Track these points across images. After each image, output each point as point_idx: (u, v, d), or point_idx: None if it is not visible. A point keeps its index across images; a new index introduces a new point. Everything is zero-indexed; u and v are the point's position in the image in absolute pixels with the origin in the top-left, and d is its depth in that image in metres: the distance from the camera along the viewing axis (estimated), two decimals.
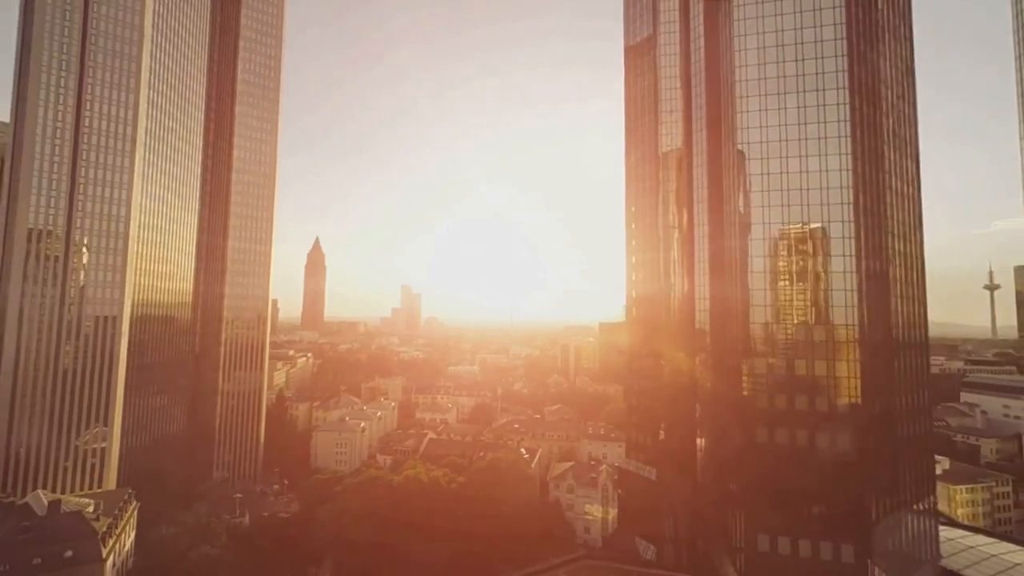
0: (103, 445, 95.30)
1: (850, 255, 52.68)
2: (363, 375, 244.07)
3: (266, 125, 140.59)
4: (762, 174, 56.39)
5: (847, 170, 53.40)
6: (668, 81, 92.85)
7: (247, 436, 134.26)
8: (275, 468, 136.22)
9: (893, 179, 58.77)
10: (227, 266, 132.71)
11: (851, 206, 53.20)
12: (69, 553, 65.13)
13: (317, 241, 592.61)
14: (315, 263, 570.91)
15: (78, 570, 65.02)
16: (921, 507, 59.21)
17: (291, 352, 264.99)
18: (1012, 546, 62.52)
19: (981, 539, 64.31)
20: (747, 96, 57.19)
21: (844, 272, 52.83)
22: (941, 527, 67.39)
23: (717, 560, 56.86)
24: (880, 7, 59.31)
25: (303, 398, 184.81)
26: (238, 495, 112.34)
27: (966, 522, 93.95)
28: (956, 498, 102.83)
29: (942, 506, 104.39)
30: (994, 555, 58.64)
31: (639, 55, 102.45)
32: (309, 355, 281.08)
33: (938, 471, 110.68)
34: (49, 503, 69.09)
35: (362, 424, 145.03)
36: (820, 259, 53.84)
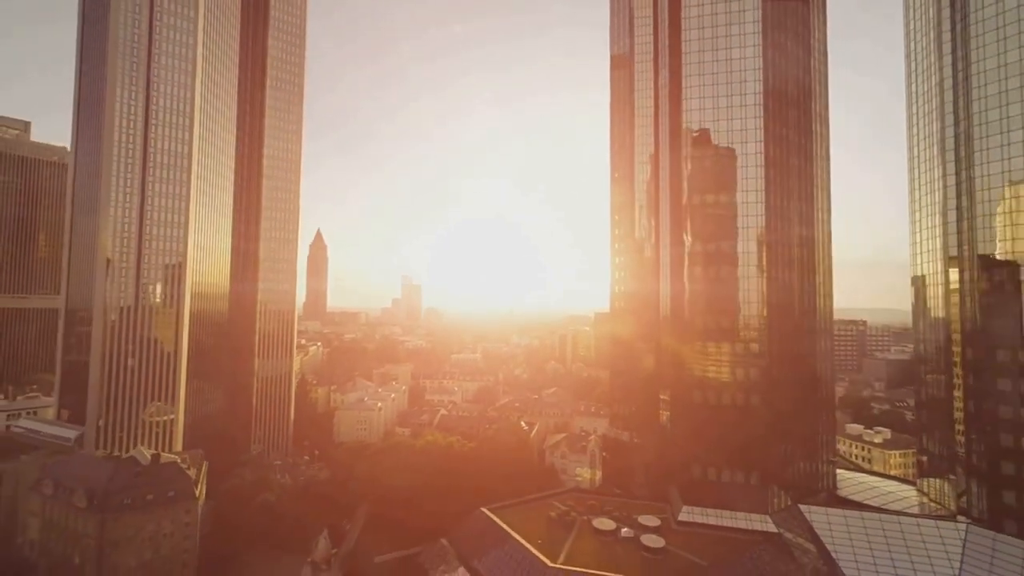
0: (171, 417, 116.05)
1: (759, 265, 72.37)
2: (372, 362, 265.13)
3: (292, 137, 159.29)
4: (699, 204, 76.11)
5: (760, 202, 72.70)
6: (641, 94, 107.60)
7: (279, 414, 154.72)
8: (304, 442, 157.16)
9: (802, 204, 78.14)
10: (259, 264, 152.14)
11: (764, 229, 72.63)
12: (172, 493, 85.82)
13: (319, 233, 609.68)
14: (317, 255, 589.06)
15: (179, 505, 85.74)
16: (822, 453, 79.87)
17: (303, 341, 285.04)
18: (896, 482, 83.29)
19: (875, 479, 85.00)
20: (691, 142, 76.62)
21: (756, 278, 72.62)
22: (849, 472, 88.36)
23: (668, 488, 77.21)
24: (793, 69, 78.37)
25: (321, 383, 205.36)
26: (277, 462, 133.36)
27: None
28: (890, 461, 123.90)
29: (880, 467, 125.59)
30: (877, 487, 79.28)
31: (620, 67, 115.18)
32: (319, 344, 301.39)
33: (879, 440, 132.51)
34: (151, 456, 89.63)
35: (379, 404, 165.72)
36: (739, 268, 73.56)
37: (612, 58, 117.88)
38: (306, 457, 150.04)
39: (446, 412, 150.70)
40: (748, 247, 73.93)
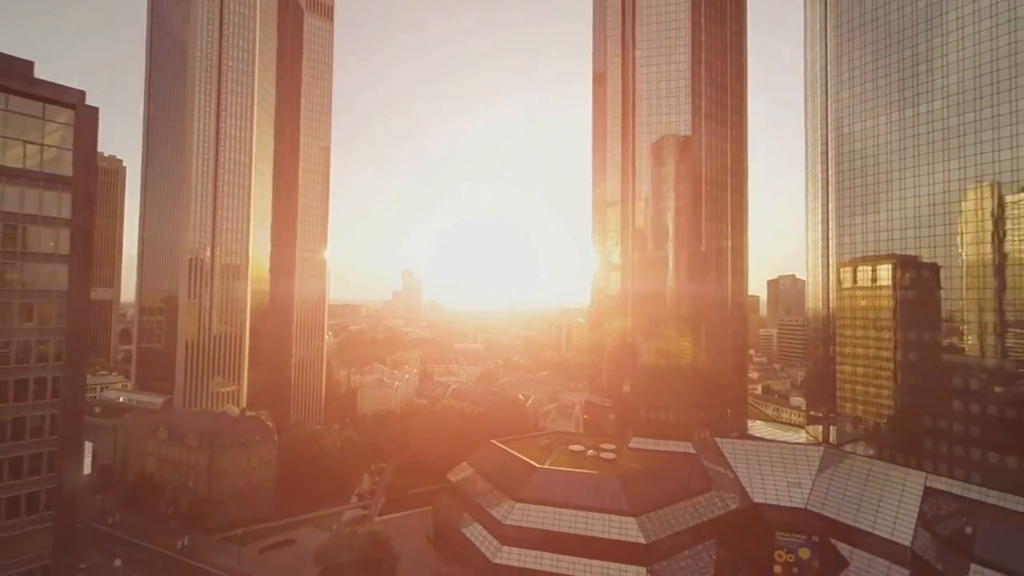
0: (234, 388, 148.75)
1: (689, 268, 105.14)
2: (381, 350, 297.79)
3: (321, 152, 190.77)
4: (646, 217, 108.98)
5: (688, 219, 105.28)
6: (612, 112, 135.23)
7: (312, 390, 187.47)
8: (333, 414, 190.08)
9: (720, 223, 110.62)
10: (296, 263, 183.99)
11: (691, 240, 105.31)
12: (258, 438, 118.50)
13: None
14: None
15: (263, 447, 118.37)
16: (736, 407, 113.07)
17: None
18: (793, 428, 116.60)
19: (778, 427, 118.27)
20: (640, 162, 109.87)
21: (686, 280, 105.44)
22: (761, 421, 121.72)
23: (626, 430, 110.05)
24: (716, 100, 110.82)
25: (341, 366, 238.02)
26: (317, 427, 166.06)
27: None
28: None
29: None
30: (777, 430, 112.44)
31: (600, 83, 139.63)
32: (330, 333, 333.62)
33: None
34: (240, 411, 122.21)
35: (396, 383, 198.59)
36: (676, 271, 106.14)
37: (594, 75, 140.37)
38: (336, 425, 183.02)
39: (456, 387, 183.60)
40: (680, 255, 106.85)
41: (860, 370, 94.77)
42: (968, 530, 73.46)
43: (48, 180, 52.75)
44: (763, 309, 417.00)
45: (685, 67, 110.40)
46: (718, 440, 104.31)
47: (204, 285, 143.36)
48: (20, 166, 51.25)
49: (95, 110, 56.19)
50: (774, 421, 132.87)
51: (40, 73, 53.47)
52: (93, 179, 56.13)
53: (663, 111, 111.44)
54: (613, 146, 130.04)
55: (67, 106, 54.28)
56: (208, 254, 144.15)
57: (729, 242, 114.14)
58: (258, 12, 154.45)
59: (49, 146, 53.14)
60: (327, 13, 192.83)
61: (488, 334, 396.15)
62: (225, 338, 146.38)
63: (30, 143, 52.04)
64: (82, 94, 55.32)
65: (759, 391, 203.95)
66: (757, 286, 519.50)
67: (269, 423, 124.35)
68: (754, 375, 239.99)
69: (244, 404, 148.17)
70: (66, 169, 54.24)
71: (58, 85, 54.06)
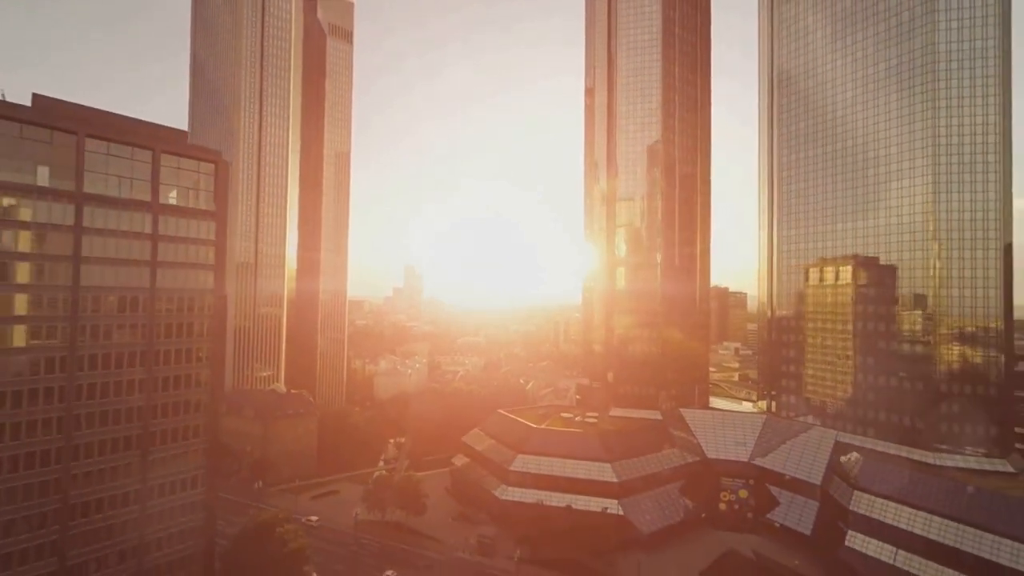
0: (272, 372, 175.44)
1: (658, 269, 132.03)
2: (390, 343, 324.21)
3: (340, 159, 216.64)
4: (622, 223, 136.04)
5: (663, 228, 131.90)
6: (600, 124, 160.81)
7: (335, 376, 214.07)
8: (354, 398, 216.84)
9: (686, 230, 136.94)
10: (320, 266, 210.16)
11: (660, 245, 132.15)
12: (302, 410, 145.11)
13: None
14: None
15: (307, 418, 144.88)
16: (700, 384, 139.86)
17: None
18: (746, 403, 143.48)
19: (733, 401, 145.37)
20: (617, 174, 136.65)
21: (656, 279, 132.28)
22: (720, 398, 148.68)
23: (608, 403, 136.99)
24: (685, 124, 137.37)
25: (355, 357, 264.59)
26: (344, 408, 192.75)
27: None
28: None
29: None
30: (732, 404, 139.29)
31: (590, 95, 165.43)
32: None
33: None
34: (287, 389, 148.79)
35: (409, 370, 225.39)
36: (645, 271, 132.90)
37: (585, 89, 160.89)
38: (357, 408, 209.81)
39: (463, 374, 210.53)
40: (650, 258, 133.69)
41: (793, 355, 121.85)
42: (856, 468, 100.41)
43: (202, 214, 79.14)
44: (753, 305, 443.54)
45: (656, 102, 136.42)
46: (681, 410, 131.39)
47: (249, 283, 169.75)
48: (187, 204, 77.68)
49: (227, 162, 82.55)
50: (742, 400, 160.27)
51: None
52: (226, 211, 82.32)
53: (638, 139, 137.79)
54: (600, 156, 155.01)
55: (210, 161, 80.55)
56: (251, 260, 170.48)
57: (697, 248, 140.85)
58: (292, 44, 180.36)
59: (201, 190, 79.50)
60: (347, 37, 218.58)
61: (489, 329, 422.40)
62: (265, 330, 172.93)
63: (191, 188, 78.40)
64: (219, 152, 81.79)
65: (736, 379, 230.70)
66: (749, 283, 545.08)
67: (311, 399, 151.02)
68: (735, 364, 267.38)
69: (282, 385, 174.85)
70: (210, 205, 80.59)
71: (205, 148, 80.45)
